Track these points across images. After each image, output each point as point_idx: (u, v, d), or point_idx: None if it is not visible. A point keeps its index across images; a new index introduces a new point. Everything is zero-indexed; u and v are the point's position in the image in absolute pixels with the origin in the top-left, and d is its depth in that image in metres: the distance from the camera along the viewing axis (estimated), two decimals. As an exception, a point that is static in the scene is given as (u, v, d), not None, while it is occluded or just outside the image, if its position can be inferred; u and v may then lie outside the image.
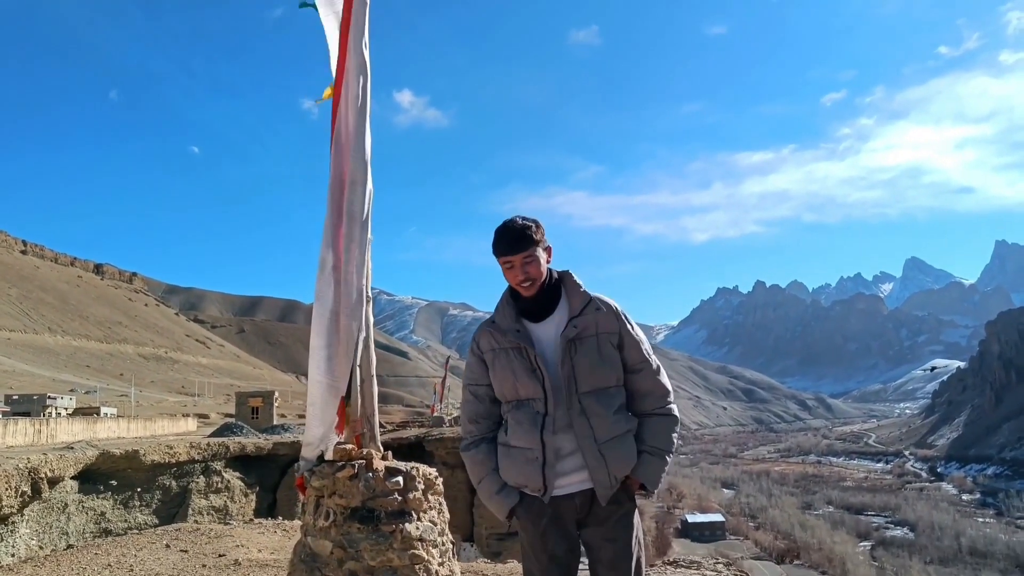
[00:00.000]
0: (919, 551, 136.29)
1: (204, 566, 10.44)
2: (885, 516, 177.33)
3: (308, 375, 5.09)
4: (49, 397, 75.35)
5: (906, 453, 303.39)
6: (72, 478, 33.02)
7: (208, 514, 38.47)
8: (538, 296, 4.07)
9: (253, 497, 43.20)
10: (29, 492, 29.22)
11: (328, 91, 5.43)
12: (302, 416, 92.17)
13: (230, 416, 76.31)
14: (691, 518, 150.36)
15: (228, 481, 41.91)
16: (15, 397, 74.79)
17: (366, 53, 5.18)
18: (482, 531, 48.64)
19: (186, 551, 11.67)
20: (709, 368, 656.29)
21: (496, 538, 47.62)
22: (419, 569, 4.88)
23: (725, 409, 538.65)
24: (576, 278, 4.15)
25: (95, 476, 34.86)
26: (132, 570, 10.26)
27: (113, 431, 51.38)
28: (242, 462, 43.53)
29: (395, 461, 5.18)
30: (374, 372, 5.31)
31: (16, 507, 28.59)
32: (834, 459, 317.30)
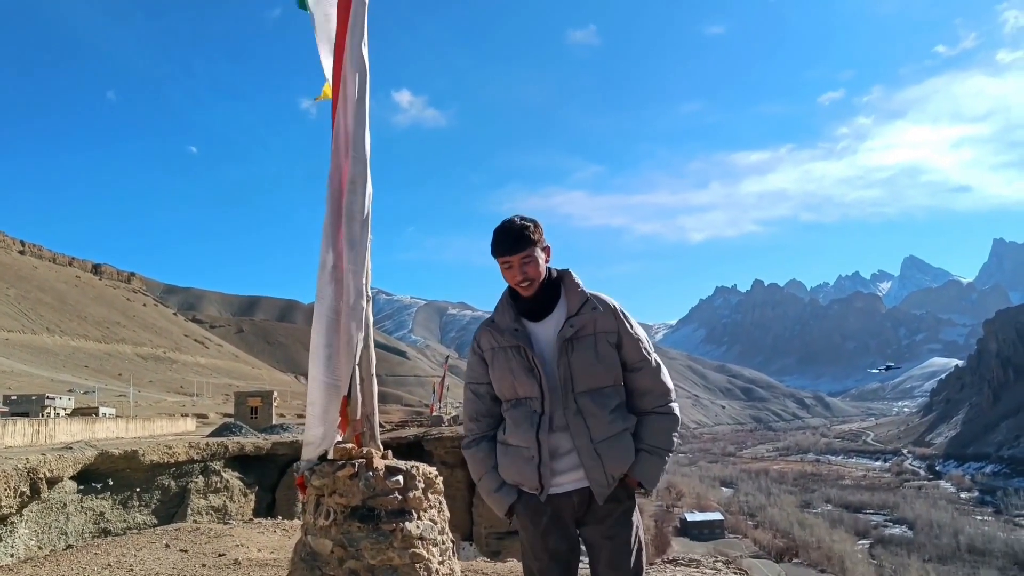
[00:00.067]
0: (917, 549, 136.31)
1: (204, 566, 10.44)
2: (883, 514, 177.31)
3: (308, 374, 5.09)
4: (47, 397, 75.22)
5: (904, 451, 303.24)
6: (71, 478, 33.03)
7: (207, 514, 38.47)
8: (537, 295, 4.07)
9: (252, 497, 43.22)
10: (28, 492, 29.23)
11: (326, 89, 5.45)
12: (301, 416, 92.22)
13: (229, 416, 76.30)
14: (690, 517, 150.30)
15: (227, 481, 41.93)
16: (13, 397, 74.67)
17: (365, 53, 5.18)
18: (481, 530, 48.65)
19: (186, 551, 11.67)
20: (708, 367, 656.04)
21: (495, 537, 47.62)
22: (419, 568, 4.88)
23: (724, 408, 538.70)
24: (575, 277, 4.14)
25: (94, 476, 34.86)
26: (132, 570, 10.27)
27: (112, 431, 51.33)
28: (241, 462, 43.55)
29: (395, 460, 5.18)
30: (374, 371, 5.31)
31: (15, 507, 28.60)
32: (833, 457, 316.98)
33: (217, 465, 41.87)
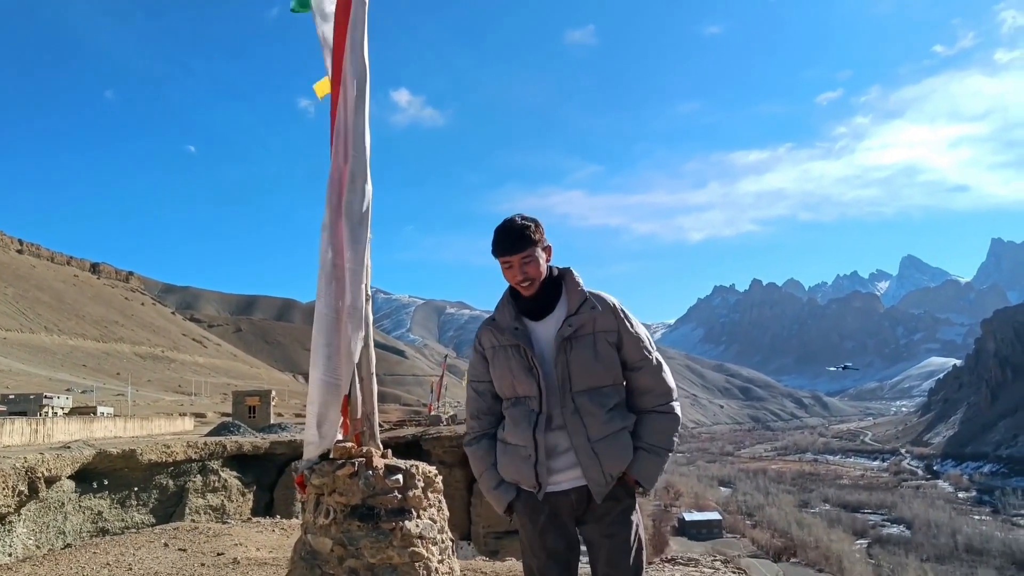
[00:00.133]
0: (915, 549, 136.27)
1: (203, 565, 10.44)
2: (881, 514, 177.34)
3: (309, 374, 5.10)
4: (45, 396, 75.10)
5: (902, 451, 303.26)
6: (69, 477, 33.00)
7: (205, 513, 38.48)
8: (538, 295, 4.07)
9: (250, 496, 43.20)
10: (26, 491, 29.22)
11: (323, 85, 5.45)
12: (299, 415, 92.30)
13: (227, 415, 76.26)
14: (688, 516, 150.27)
15: (225, 480, 41.92)
16: (11, 396, 74.57)
17: (366, 51, 5.19)
18: (479, 529, 48.63)
19: (184, 550, 11.68)
20: (706, 366, 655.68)
21: (493, 536, 47.60)
22: (419, 567, 4.89)
23: (722, 407, 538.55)
24: (576, 276, 4.14)
25: (92, 475, 34.83)
26: (131, 569, 10.27)
27: (110, 430, 51.33)
28: (239, 461, 43.53)
29: (395, 459, 5.19)
30: (373, 371, 5.33)
31: (13, 507, 28.60)
32: (831, 457, 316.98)
33: (215, 464, 41.85)
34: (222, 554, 11.26)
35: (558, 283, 4.15)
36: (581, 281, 4.13)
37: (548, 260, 4.13)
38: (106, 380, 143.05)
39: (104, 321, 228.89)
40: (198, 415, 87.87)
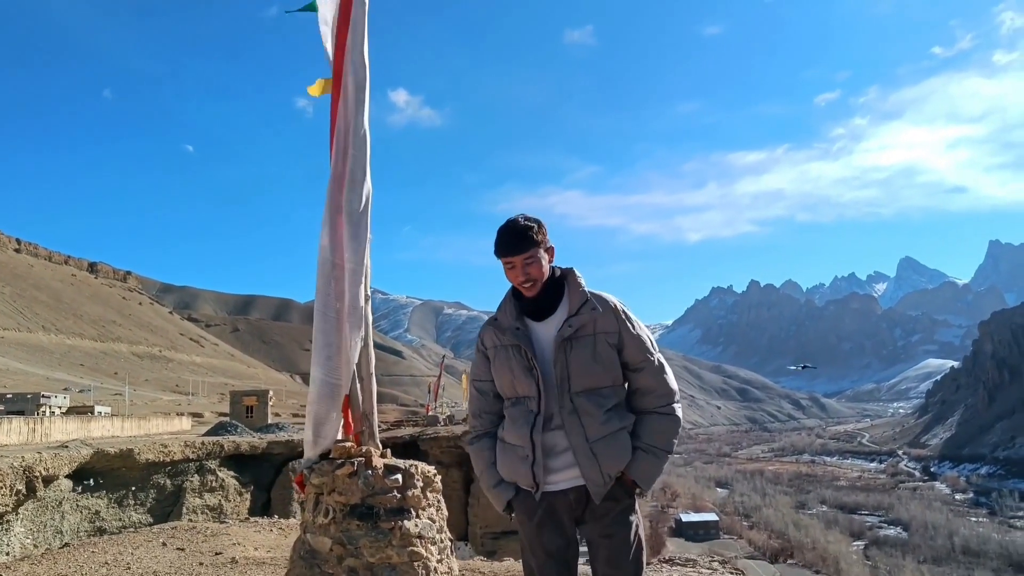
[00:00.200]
0: (912, 550, 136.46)
1: (201, 564, 10.44)
2: (878, 515, 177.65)
3: (310, 374, 5.11)
4: (43, 396, 75.06)
5: (899, 453, 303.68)
6: (66, 477, 33.01)
7: (202, 513, 38.46)
8: (540, 295, 4.08)
9: (248, 496, 43.18)
10: (24, 490, 29.23)
11: (318, 86, 5.46)
12: (296, 415, 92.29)
13: (224, 415, 76.25)
14: (685, 517, 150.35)
15: (223, 480, 41.90)
16: (9, 396, 74.53)
17: (366, 51, 5.20)
18: (476, 530, 48.66)
19: (183, 549, 11.67)
20: (703, 367, 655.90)
21: (490, 537, 47.63)
22: (418, 566, 4.90)
23: (719, 408, 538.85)
24: (578, 277, 4.14)
25: (90, 475, 34.84)
26: (129, 568, 10.26)
27: (107, 430, 51.35)
28: (236, 461, 43.51)
29: (394, 459, 5.20)
30: (373, 370, 5.33)
31: (11, 506, 28.60)
32: (828, 458, 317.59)
33: (213, 464, 41.83)
34: (220, 553, 11.26)
35: (560, 283, 4.15)
36: (583, 282, 4.13)
37: (551, 261, 4.13)
38: (103, 379, 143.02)
39: (102, 320, 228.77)
40: (195, 415, 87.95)
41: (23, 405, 68.90)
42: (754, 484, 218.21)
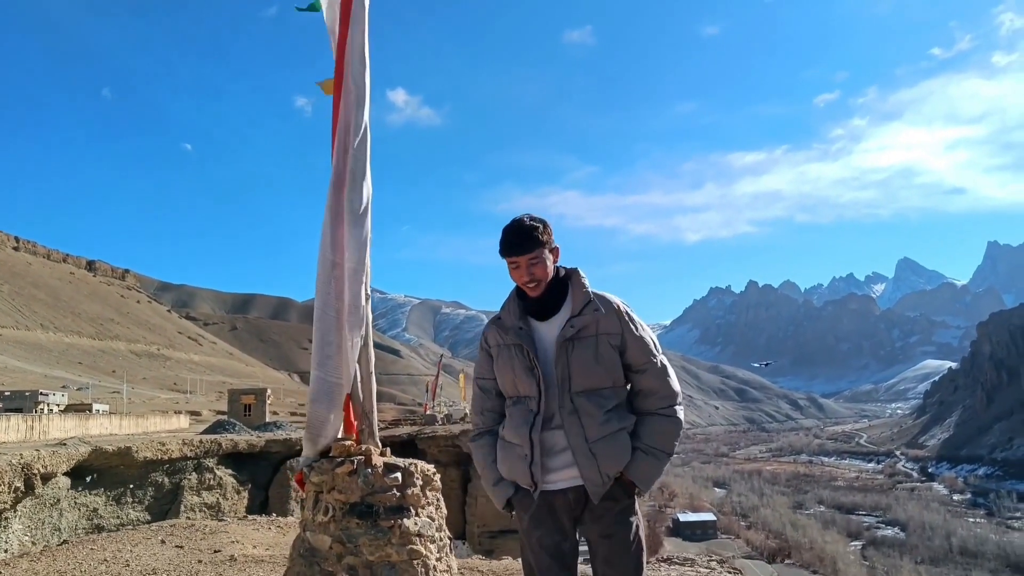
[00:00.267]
0: (910, 551, 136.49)
1: (200, 562, 10.44)
2: (876, 516, 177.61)
3: (310, 372, 5.13)
4: (41, 393, 75.08)
5: (897, 453, 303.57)
6: (64, 474, 33.00)
7: (200, 511, 38.44)
8: (544, 295, 4.08)
9: (245, 494, 43.20)
10: (22, 488, 29.22)
11: (330, 83, 5.47)
12: (294, 414, 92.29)
13: (222, 413, 76.28)
14: (683, 517, 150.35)
15: (220, 478, 41.91)
16: (7, 393, 74.58)
17: (366, 51, 5.22)
18: (474, 529, 48.73)
19: (181, 547, 11.68)
20: (701, 367, 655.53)
21: (488, 536, 47.71)
22: (417, 564, 4.92)
23: (717, 408, 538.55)
24: (582, 277, 4.14)
25: (88, 472, 34.85)
26: (128, 565, 10.27)
27: (105, 428, 51.34)
28: (234, 459, 43.53)
29: (393, 457, 5.22)
30: (372, 369, 5.35)
31: (9, 503, 28.59)
32: (825, 459, 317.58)
33: (210, 462, 41.83)
34: (219, 551, 11.26)
35: (565, 284, 4.15)
36: (587, 282, 4.14)
37: (555, 261, 4.14)
38: (102, 377, 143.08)
39: (100, 319, 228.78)
40: (193, 413, 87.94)
41: (21, 403, 68.92)
42: (752, 484, 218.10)
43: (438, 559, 5.14)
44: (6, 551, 26.76)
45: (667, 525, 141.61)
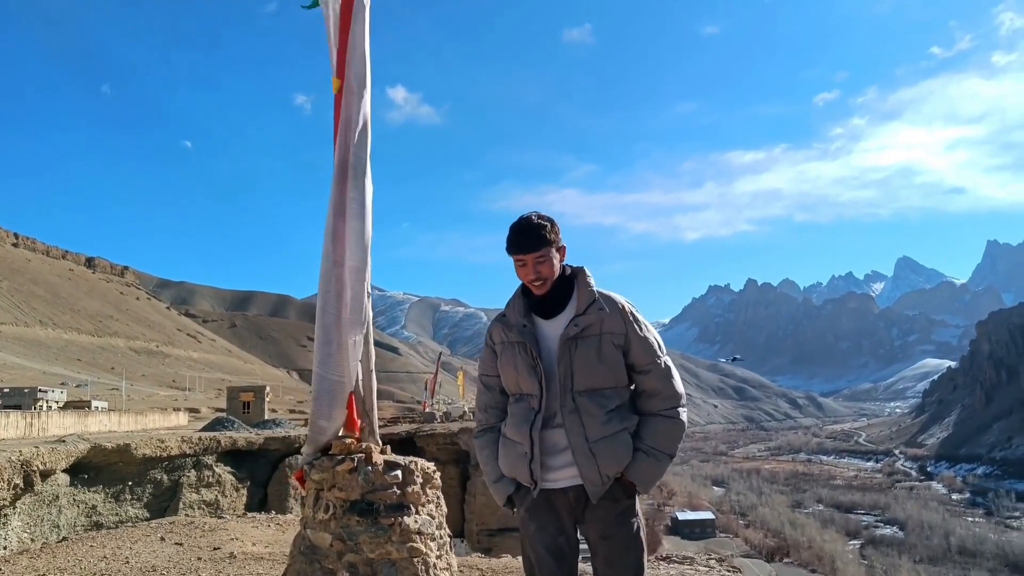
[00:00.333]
0: (908, 550, 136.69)
1: (199, 559, 10.45)
2: (875, 515, 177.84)
3: (312, 370, 5.14)
4: (40, 390, 75.19)
5: (896, 452, 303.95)
6: (63, 471, 32.99)
7: (199, 508, 38.43)
8: (549, 293, 4.08)
9: (244, 492, 43.16)
10: (21, 485, 29.21)
11: (337, 82, 5.47)
12: (293, 411, 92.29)
13: (221, 411, 76.22)
14: (681, 515, 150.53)
15: (219, 476, 41.87)
16: (6, 390, 74.67)
17: (367, 48, 5.23)
18: (472, 527, 48.74)
19: (181, 544, 11.70)
20: (700, 366, 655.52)
21: (487, 534, 47.72)
22: (417, 562, 4.93)
23: (716, 407, 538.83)
24: (588, 276, 4.14)
25: (86, 469, 34.81)
26: (128, 562, 10.28)
27: (104, 425, 51.28)
28: (233, 457, 43.49)
29: (394, 455, 5.23)
30: (373, 367, 5.36)
31: (8, 500, 28.59)
32: (824, 457, 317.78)
33: (209, 460, 41.79)
34: (218, 548, 11.28)
35: (570, 282, 4.16)
36: (592, 281, 4.13)
37: (562, 260, 4.14)
38: (101, 374, 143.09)
39: (99, 315, 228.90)
40: (192, 410, 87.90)
41: (20, 399, 68.97)
42: (750, 483, 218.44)
43: (438, 557, 5.15)
44: (5, 548, 26.76)
45: (665, 524, 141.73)
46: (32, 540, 28.54)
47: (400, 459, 5.16)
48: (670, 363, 4.12)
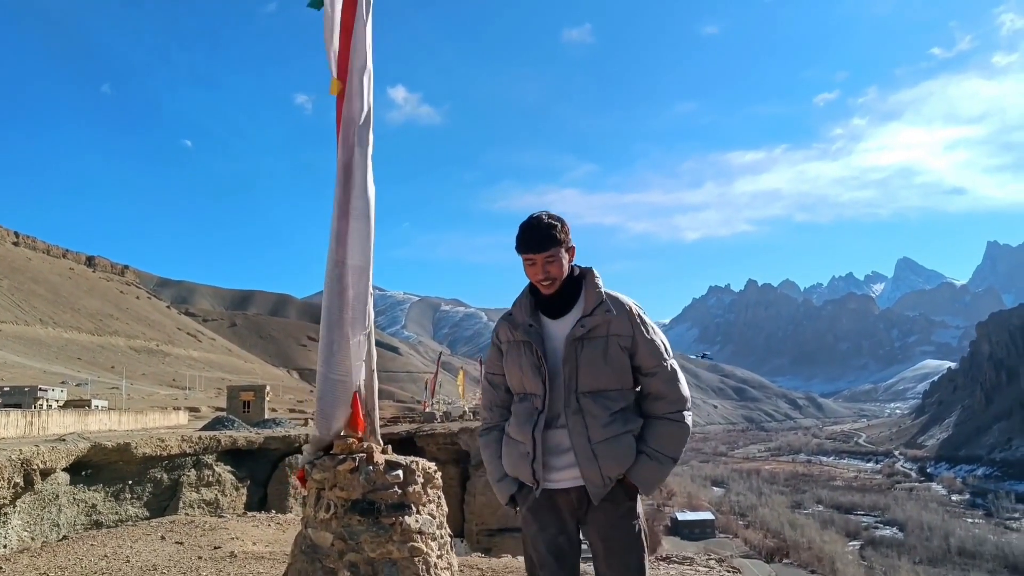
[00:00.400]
0: (908, 551, 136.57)
1: (200, 558, 10.46)
2: (874, 516, 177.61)
3: (317, 370, 5.15)
4: (40, 389, 75.24)
5: (896, 453, 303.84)
6: (64, 470, 32.97)
7: (199, 507, 38.41)
8: (557, 293, 4.08)
9: (244, 491, 43.12)
10: (21, 484, 29.20)
11: (337, 83, 5.48)
12: (293, 410, 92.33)
13: (221, 410, 76.25)
14: (681, 516, 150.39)
15: (219, 475, 41.83)
16: (6, 389, 74.71)
17: (369, 48, 5.24)
18: (472, 527, 48.71)
19: (181, 543, 11.70)
20: (700, 366, 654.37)
21: (486, 534, 47.70)
22: (418, 561, 4.94)
23: (716, 407, 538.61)
24: (596, 277, 4.13)
25: (86, 468, 34.80)
26: (129, 561, 10.29)
27: (104, 423, 51.26)
28: (233, 456, 43.45)
29: (395, 455, 5.24)
30: (375, 366, 5.37)
31: (9, 498, 28.57)
32: (824, 458, 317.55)
33: (209, 459, 41.74)
34: (219, 547, 11.28)
35: (578, 282, 4.15)
36: (600, 282, 4.13)
37: (571, 260, 4.13)
38: (101, 373, 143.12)
39: (99, 314, 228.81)
40: (192, 409, 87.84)
41: (20, 398, 69.05)
42: (750, 483, 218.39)
43: (439, 556, 5.16)
44: (6, 547, 26.76)
45: (665, 524, 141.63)
46: (32, 539, 28.54)
47: (401, 459, 5.17)
48: (676, 366, 4.10)
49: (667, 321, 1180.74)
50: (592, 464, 3.94)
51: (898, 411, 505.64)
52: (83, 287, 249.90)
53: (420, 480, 5.15)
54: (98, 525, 31.25)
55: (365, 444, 5.11)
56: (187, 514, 27.72)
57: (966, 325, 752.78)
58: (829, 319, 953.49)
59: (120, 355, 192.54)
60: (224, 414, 63.99)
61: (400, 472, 5.03)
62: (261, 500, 42.69)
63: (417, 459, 5.26)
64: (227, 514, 18.32)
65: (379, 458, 5.03)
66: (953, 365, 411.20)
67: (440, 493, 5.42)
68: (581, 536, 4.19)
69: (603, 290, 4.09)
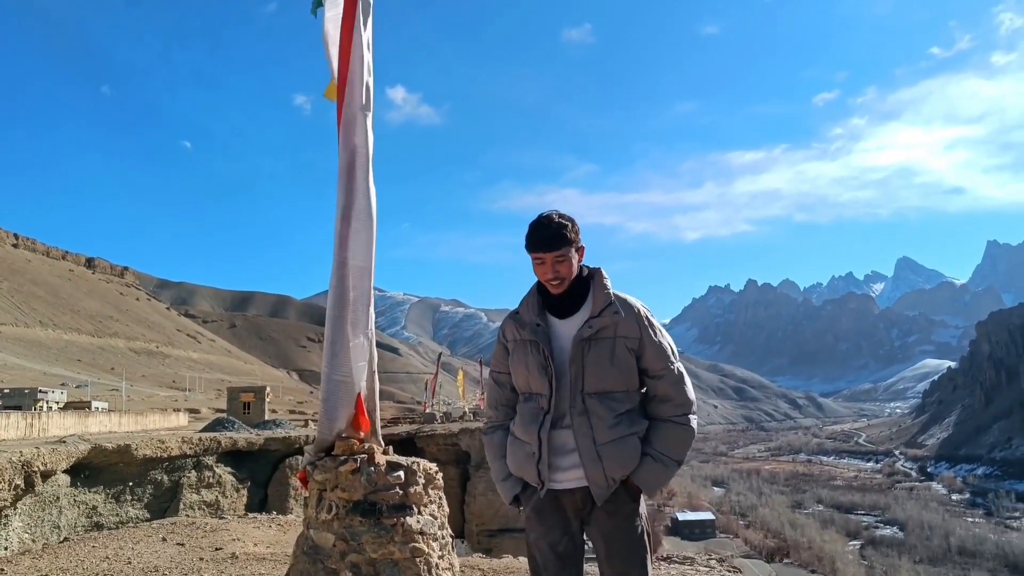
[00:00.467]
0: (908, 550, 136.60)
1: (201, 559, 10.47)
2: (875, 515, 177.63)
3: (321, 371, 5.16)
4: (40, 391, 75.11)
5: (896, 453, 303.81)
6: (64, 472, 32.97)
7: (200, 509, 38.42)
8: (566, 293, 4.08)
9: (244, 492, 43.15)
10: (22, 485, 29.20)
11: (332, 89, 5.48)
12: (293, 412, 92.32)
13: (221, 411, 76.20)
14: (681, 516, 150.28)
15: (220, 476, 41.85)
16: (6, 391, 74.61)
17: (369, 48, 5.25)
18: (472, 528, 48.78)
19: (183, 544, 11.72)
20: (700, 366, 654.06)
21: (487, 535, 47.76)
22: (420, 562, 4.95)
23: (716, 407, 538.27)
24: (605, 278, 4.13)
25: (87, 470, 34.79)
26: (130, 562, 10.30)
27: (104, 425, 51.25)
28: (233, 457, 43.47)
29: (396, 456, 5.25)
30: (376, 367, 5.38)
31: (9, 500, 28.58)
32: (824, 458, 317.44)
33: (210, 460, 41.76)
34: (220, 549, 11.30)
35: (587, 283, 4.17)
36: (609, 283, 4.13)
37: (580, 260, 4.13)
38: (100, 375, 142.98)
39: (99, 316, 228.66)
40: (192, 411, 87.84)
41: (20, 400, 68.93)
42: (750, 483, 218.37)
43: (440, 557, 5.17)
44: (7, 549, 26.76)
45: (666, 524, 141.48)
46: (33, 541, 28.54)
47: (402, 460, 5.18)
48: (683, 369, 4.10)
49: (667, 321, 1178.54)
50: (596, 465, 3.94)
51: (898, 411, 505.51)
52: (83, 289, 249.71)
53: (421, 481, 5.16)
54: (99, 527, 31.23)
55: (366, 445, 5.12)
56: (188, 516, 27.75)
57: (966, 324, 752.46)
58: (829, 319, 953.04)
59: (120, 357, 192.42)
60: (224, 415, 63.96)
61: (401, 473, 5.04)
62: (262, 501, 42.72)
63: (418, 460, 5.27)
64: (228, 515, 18.34)
65: (380, 459, 5.04)
66: (953, 364, 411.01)
67: (441, 494, 5.43)
68: (585, 537, 4.20)
69: (611, 291, 4.09)
